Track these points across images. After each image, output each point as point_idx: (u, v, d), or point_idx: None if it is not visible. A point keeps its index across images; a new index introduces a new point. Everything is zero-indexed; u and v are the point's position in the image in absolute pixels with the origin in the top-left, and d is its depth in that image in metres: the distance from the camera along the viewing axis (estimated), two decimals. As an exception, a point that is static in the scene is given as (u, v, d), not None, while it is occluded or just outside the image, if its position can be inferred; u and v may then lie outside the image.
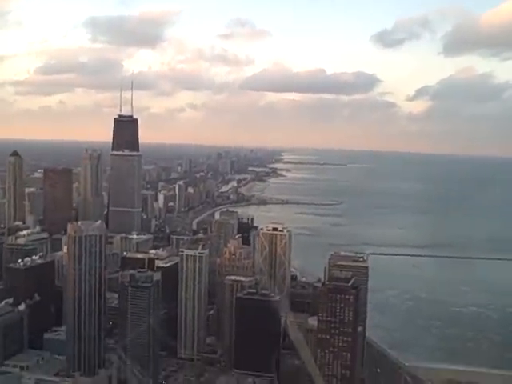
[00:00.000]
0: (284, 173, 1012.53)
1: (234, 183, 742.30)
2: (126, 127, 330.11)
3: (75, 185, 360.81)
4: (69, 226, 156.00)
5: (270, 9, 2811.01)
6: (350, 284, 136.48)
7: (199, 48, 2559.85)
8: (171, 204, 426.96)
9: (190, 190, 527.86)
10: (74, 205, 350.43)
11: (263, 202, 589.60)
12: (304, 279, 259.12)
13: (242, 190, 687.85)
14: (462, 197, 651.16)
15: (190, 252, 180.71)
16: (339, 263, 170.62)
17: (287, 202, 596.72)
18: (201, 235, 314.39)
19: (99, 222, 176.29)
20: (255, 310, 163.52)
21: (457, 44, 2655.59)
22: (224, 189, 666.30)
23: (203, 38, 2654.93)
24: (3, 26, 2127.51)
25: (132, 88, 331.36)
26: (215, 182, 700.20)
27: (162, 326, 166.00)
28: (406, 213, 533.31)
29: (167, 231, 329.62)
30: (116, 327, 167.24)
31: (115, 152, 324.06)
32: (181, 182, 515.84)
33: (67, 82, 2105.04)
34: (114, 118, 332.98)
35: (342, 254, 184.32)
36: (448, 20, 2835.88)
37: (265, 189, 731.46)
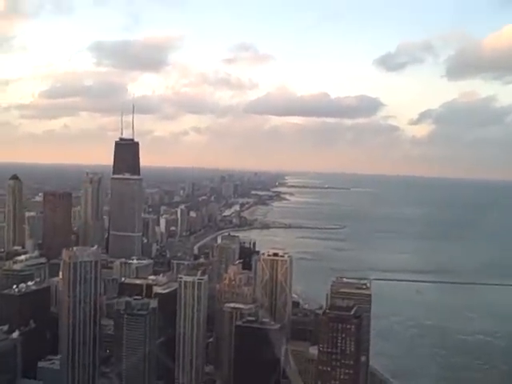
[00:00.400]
0: (287, 196, 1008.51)
1: (237, 207, 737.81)
2: (126, 151, 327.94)
3: (77, 208, 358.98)
4: (64, 251, 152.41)
5: (273, 33, 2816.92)
6: (351, 313, 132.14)
7: (203, 72, 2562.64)
8: (173, 228, 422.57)
9: (193, 213, 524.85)
10: (75, 229, 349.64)
11: (266, 226, 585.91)
12: (306, 306, 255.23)
13: (245, 213, 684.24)
14: (466, 221, 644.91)
15: (189, 278, 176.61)
16: (341, 290, 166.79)
17: (290, 226, 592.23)
18: (202, 260, 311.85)
19: (95, 247, 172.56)
20: (254, 338, 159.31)
21: (459, 68, 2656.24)
22: (227, 212, 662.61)
23: (207, 62, 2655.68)
24: (8, 51, 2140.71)
25: (133, 111, 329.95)
26: (218, 205, 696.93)
27: (160, 354, 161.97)
28: (409, 238, 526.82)
29: (168, 256, 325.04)
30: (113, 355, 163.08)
31: (115, 176, 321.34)
32: (183, 206, 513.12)
33: (72, 106, 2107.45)
34: (115, 142, 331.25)
35: (345, 280, 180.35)
36: (450, 44, 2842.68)
37: (268, 213, 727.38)
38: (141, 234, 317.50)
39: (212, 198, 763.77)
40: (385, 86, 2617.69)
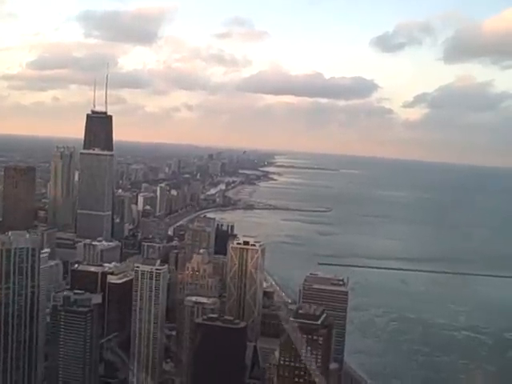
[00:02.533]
0: (275, 176, 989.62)
1: (223, 186, 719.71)
2: (99, 124, 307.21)
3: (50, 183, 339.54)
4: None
5: (269, 9, 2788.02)
6: (319, 322, 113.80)
7: (196, 47, 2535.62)
8: (148, 207, 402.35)
9: (174, 192, 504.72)
10: (46, 206, 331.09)
11: (250, 207, 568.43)
12: (283, 294, 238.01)
13: (230, 193, 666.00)
14: (457, 206, 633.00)
15: (146, 267, 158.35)
16: (315, 286, 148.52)
17: (275, 208, 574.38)
18: (175, 242, 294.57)
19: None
20: (216, 337, 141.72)
21: (457, 51, 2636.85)
22: (212, 191, 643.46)
23: (200, 36, 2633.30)
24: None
25: (106, 84, 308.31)
26: (203, 184, 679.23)
27: (111, 353, 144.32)
28: (398, 222, 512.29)
29: (139, 238, 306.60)
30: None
31: (85, 151, 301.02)
32: (163, 184, 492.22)
33: (61, 78, 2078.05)
34: (87, 114, 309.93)
35: (319, 275, 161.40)
36: (449, 26, 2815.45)
37: (254, 192, 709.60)
38: (110, 212, 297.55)
39: (198, 176, 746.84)
40: (380, 68, 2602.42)
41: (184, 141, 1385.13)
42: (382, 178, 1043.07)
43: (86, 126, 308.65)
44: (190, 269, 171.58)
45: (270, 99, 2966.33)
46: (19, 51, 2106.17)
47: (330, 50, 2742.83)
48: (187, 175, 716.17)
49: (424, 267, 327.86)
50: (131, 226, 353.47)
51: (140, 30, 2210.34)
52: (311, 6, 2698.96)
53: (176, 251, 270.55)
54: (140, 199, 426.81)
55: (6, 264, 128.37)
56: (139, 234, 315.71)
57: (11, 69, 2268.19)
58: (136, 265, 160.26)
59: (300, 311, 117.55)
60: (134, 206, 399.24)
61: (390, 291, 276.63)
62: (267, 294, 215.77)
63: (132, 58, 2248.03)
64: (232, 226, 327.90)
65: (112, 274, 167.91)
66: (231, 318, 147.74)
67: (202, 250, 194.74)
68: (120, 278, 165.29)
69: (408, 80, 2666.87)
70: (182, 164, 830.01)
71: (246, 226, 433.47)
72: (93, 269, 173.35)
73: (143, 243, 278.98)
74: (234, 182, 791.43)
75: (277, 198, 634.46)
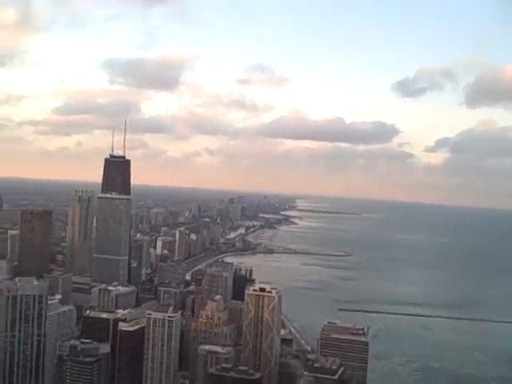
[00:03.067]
0: (296, 220, 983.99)
1: (243, 230, 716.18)
2: (117, 168, 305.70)
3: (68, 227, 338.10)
4: (2, 281, 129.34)
5: (289, 55, 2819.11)
6: (336, 377, 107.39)
7: (217, 93, 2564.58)
8: (165, 252, 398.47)
9: (193, 236, 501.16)
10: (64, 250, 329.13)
11: (270, 251, 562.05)
12: (299, 346, 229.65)
13: (250, 237, 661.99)
14: (478, 251, 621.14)
15: (158, 315, 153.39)
16: (333, 336, 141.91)
17: (295, 252, 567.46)
18: (192, 287, 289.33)
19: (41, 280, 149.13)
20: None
21: (479, 95, 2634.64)
22: (231, 235, 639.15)
23: (221, 82, 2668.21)
24: (20, 66, 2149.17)
25: (125, 129, 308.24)
26: (223, 228, 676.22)
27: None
28: (419, 267, 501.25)
29: (155, 282, 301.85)
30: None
31: (102, 195, 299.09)
32: (182, 228, 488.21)
33: (85, 123, 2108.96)
34: (105, 159, 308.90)
35: (338, 324, 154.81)
36: (471, 71, 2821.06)
37: (274, 237, 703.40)
38: (127, 257, 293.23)
39: (218, 220, 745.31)
40: (402, 112, 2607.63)
41: (205, 185, 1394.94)
42: (401, 222, 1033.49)
43: (104, 170, 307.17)
44: (203, 316, 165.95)
45: (290, 144, 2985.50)
46: (45, 98, 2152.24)
47: (350, 95, 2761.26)
48: (207, 219, 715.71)
49: (444, 313, 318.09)
50: (149, 271, 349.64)
51: (163, 77, 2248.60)
52: (332, 51, 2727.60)
53: (193, 296, 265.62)
54: (159, 243, 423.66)
55: (12, 311, 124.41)
56: (156, 279, 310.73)
57: (36, 115, 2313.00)
58: (148, 312, 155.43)
59: (316, 365, 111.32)
60: (152, 250, 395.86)
61: (412, 338, 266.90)
62: (285, 342, 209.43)
63: (155, 104, 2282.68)
64: (250, 271, 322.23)
65: (124, 320, 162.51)
66: (245, 369, 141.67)
67: (216, 297, 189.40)
68: (132, 326, 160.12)
69: (429, 124, 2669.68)
70: (203, 208, 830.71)
71: (266, 270, 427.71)
72: (105, 315, 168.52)
73: (159, 288, 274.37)
74: (254, 225, 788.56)
75: (297, 242, 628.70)
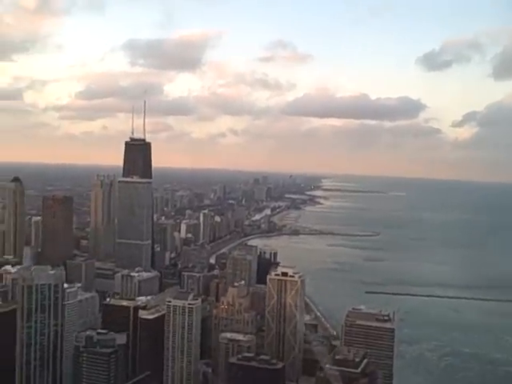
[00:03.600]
0: (322, 200, 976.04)
1: (268, 211, 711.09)
2: (137, 152, 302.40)
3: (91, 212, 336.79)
4: (18, 270, 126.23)
5: (312, 31, 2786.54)
6: (359, 370, 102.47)
7: (240, 72, 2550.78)
8: (189, 235, 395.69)
9: (217, 218, 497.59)
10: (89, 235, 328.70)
11: (295, 233, 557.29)
12: (325, 331, 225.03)
13: (275, 218, 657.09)
14: (509, 229, 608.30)
15: (178, 302, 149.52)
16: (358, 322, 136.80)
17: (321, 233, 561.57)
18: (216, 271, 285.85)
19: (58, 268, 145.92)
20: (252, 378, 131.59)
21: (507, 67, 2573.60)
22: (257, 217, 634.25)
23: (244, 61, 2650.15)
24: (43, 50, 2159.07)
25: (144, 111, 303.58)
26: (248, 209, 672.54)
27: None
28: (449, 246, 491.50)
29: (179, 267, 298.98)
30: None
31: (122, 179, 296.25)
32: (206, 210, 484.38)
33: (108, 107, 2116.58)
34: (125, 142, 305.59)
35: (363, 310, 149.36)
36: (498, 41, 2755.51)
37: (299, 217, 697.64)
38: (150, 241, 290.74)
39: (243, 202, 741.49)
40: (427, 87, 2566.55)
41: (230, 166, 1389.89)
42: (429, 199, 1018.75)
43: (125, 154, 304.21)
44: (225, 303, 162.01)
45: (315, 122, 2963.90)
46: (68, 82, 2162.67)
47: (375, 70, 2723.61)
48: (232, 201, 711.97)
49: (474, 294, 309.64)
50: (173, 255, 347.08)
51: (184, 57, 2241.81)
52: (354, 26, 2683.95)
53: (217, 281, 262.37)
54: (183, 227, 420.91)
55: (28, 301, 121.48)
56: (179, 263, 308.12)
57: (61, 100, 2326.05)
58: (168, 299, 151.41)
59: (338, 357, 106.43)
60: (176, 234, 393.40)
61: (442, 322, 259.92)
62: (310, 327, 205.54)
63: (177, 85, 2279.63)
64: (275, 254, 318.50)
65: (144, 308, 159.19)
66: (268, 358, 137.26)
67: (236, 284, 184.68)
68: (152, 314, 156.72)
69: (456, 98, 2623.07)
70: (228, 189, 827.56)
71: (291, 252, 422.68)
72: (125, 303, 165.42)
73: (183, 273, 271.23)
74: (279, 206, 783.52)
75: (323, 223, 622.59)
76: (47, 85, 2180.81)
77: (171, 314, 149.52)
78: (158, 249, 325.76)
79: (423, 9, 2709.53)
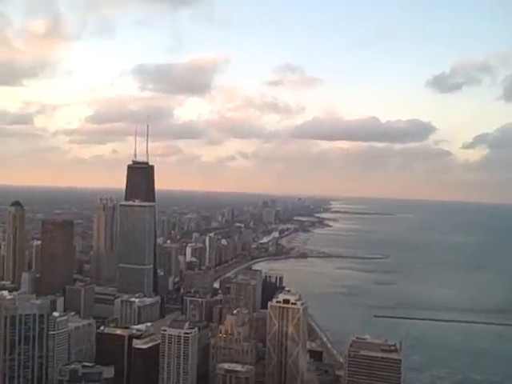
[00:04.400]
0: (331, 223, 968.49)
1: (276, 234, 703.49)
2: (140, 175, 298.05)
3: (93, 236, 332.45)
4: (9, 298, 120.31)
5: (320, 54, 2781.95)
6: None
7: (249, 96, 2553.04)
8: (193, 259, 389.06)
9: (224, 241, 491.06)
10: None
11: (303, 255, 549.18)
12: (331, 357, 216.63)
13: (283, 241, 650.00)
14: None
15: (174, 331, 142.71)
16: (362, 353, 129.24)
17: (329, 256, 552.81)
18: (220, 296, 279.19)
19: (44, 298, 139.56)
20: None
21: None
22: (264, 240, 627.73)
23: (253, 85, 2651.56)
24: (52, 75, 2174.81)
25: (147, 134, 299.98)
26: (256, 232, 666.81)
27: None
28: (459, 269, 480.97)
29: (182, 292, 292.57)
30: None
31: (124, 202, 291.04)
32: (212, 234, 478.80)
33: (118, 131, 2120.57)
34: (128, 165, 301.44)
35: (367, 340, 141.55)
36: (509, 64, 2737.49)
37: (308, 240, 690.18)
38: (151, 266, 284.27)
39: (251, 224, 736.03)
40: (438, 109, 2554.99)
41: (239, 189, 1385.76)
42: (438, 221, 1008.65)
43: (127, 177, 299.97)
44: (222, 331, 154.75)
45: (324, 145, 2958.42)
46: (78, 107, 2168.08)
47: (384, 93, 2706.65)
48: (240, 224, 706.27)
49: (486, 319, 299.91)
50: (177, 279, 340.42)
51: (194, 82, 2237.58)
52: (363, 48, 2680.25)
53: (220, 306, 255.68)
54: (188, 250, 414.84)
55: (11, 332, 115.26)
56: (181, 288, 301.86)
57: (71, 124, 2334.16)
58: (163, 328, 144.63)
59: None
60: (181, 258, 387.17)
61: (453, 347, 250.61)
62: (315, 355, 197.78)
63: (187, 109, 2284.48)
64: (281, 278, 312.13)
65: (138, 337, 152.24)
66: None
67: (235, 311, 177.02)
68: (146, 343, 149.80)
69: (467, 120, 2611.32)
70: (236, 212, 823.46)
71: (298, 276, 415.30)
72: (119, 332, 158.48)
73: (185, 298, 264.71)
74: (288, 229, 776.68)
75: (331, 245, 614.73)
76: (57, 109, 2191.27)
77: (166, 344, 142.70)
78: (162, 273, 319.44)
79: (433, 30, 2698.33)
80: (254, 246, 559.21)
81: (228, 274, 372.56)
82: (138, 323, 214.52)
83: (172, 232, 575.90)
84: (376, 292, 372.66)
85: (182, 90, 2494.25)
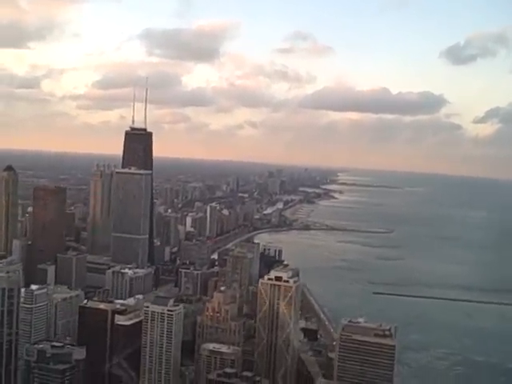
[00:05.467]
0: (336, 195, 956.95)
1: (281, 205, 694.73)
2: (137, 142, 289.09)
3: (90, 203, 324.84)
4: None
5: (333, 22, 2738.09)
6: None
7: (258, 63, 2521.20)
8: (191, 229, 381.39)
9: (226, 212, 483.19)
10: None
11: (306, 228, 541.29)
12: (327, 335, 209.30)
13: (287, 212, 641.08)
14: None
15: (157, 308, 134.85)
16: (355, 338, 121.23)
17: (332, 228, 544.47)
18: (216, 269, 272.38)
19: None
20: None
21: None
22: (268, 210, 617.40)
23: (263, 52, 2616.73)
24: (60, 38, 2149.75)
25: (146, 99, 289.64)
26: (260, 202, 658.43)
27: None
28: (465, 245, 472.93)
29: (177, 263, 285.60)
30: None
31: (120, 170, 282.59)
32: (213, 203, 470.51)
33: (125, 97, 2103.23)
34: (126, 131, 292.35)
35: (361, 324, 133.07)
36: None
37: (312, 212, 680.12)
38: (147, 236, 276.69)
39: (255, 194, 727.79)
40: (450, 81, 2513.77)
41: (247, 158, 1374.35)
42: (448, 196, 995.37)
43: (125, 144, 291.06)
44: (209, 309, 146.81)
45: (334, 115, 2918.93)
46: (85, 71, 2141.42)
47: (396, 63, 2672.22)
48: (245, 194, 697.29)
49: (492, 298, 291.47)
50: (176, 249, 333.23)
51: (202, 48, 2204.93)
52: (377, 17, 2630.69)
53: (215, 279, 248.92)
54: (188, 220, 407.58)
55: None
56: (178, 259, 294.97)
57: (78, 88, 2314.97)
58: (145, 304, 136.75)
59: None
60: (181, 228, 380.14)
61: (454, 327, 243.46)
62: (310, 334, 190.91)
63: (195, 76, 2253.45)
64: (280, 251, 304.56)
65: (122, 312, 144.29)
66: (251, 375, 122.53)
67: (222, 288, 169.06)
68: (129, 319, 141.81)
69: (480, 94, 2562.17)
70: (241, 182, 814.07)
71: (299, 248, 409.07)
72: (102, 306, 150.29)
73: (180, 270, 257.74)
74: (292, 200, 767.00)
75: (335, 218, 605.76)
76: (64, 73, 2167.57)
77: (149, 321, 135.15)
78: (159, 243, 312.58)
79: (448, 1, 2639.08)
80: (256, 216, 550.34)
81: (228, 246, 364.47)
82: (130, 295, 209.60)
83: (175, 201, 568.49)
84: (378, 267, 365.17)
85: (191, 56, 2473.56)
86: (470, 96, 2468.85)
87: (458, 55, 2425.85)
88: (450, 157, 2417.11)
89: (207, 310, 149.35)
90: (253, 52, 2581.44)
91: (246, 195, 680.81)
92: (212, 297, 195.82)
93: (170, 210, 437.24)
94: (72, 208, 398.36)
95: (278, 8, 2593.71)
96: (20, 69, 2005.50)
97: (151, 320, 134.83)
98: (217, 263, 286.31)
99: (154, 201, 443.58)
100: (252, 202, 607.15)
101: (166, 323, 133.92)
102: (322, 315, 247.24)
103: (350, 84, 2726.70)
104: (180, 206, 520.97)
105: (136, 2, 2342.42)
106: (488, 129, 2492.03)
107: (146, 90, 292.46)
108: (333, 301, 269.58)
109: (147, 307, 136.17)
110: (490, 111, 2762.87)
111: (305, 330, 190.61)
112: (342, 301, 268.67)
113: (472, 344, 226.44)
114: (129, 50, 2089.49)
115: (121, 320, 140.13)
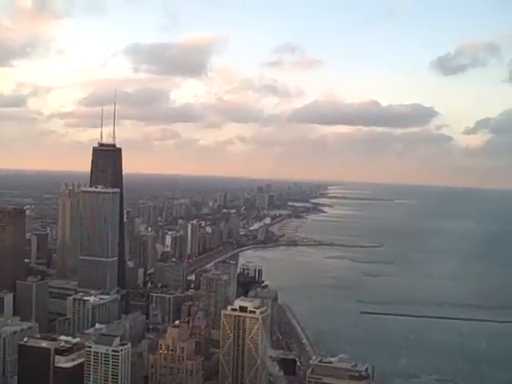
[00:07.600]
0: (326, 208, 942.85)
1: (268, 220, 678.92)
2: (106, 158, 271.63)
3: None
4: None
5: (321, 34, 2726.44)
6: None
7: (247, 78, 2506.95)
8: (167, 249, 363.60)
9: (209, 229, 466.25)
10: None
11: (293, 243, 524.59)
12: (314, 356, 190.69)
13: (274, 228, 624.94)
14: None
15: (100, 348, 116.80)
16: (325, 381, 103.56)
17: (320, 243, 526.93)
18: (191, 292, 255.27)
19: None
20: None
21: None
22: (255, 226, 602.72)
23: (251, 66, 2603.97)
24: (45, 55, 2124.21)
25: (114, 115, 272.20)
26: (247, 218, 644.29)
27: None
28: (458, 259, 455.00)
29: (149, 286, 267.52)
30: None
31: (85, 189, 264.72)
32: (194, 221, 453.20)
33: (113, 114, 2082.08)
34: (93, 148, 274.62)
35: (333, 364, 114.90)
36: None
37: (300, 227, 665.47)
38: (116, 258, 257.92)
39: (243, 210, 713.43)
40: (441, 92, 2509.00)
41: (237, 174, 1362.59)
42: (439, 208, 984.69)
43: (93, 161, 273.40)
44: (163, 347, 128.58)
45: (324, 129, 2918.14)
46: (71, 88, 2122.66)
47: (386, 75, 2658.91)
48: (232, 209, 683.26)
49: (486, 316, 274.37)
50: (152, 270, 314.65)
51: (190, 63, 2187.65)
52: (365, 28, 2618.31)
53: (189, 303, 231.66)
54: (168, 239, 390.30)
55: None
56: (149, 283, 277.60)
57: (65, 107, 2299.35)
58: (87, 344, 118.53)
59: None
60: (159, 247, 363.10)
61: (446, 349, 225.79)
62: (287, 365, 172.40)
63: (184, 92, 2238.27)
64: (260, 271, 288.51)
65: (63, 353, 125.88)
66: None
67: (177, 322, 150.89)
68: (72, 360, 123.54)
69: (470, 104, 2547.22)
70: (230, 197, 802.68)
71: (284, 266, 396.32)
72: (44, 344, 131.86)
73: (151, 294, 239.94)
74: (280, 215, 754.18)
75: (324, 233, 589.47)
76: (51, 91, 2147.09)
77: (92, 362, 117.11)
78: (132, 265, 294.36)
79: (439, 10, 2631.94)
80: (242, 232, 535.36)
81: (208, 265, 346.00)
82: (92, 324, 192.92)
83: (158, 219, 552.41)
84: (367, 284, 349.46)
85: (179, 71, 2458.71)
86: (461, 107, 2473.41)
87: (448, 65, 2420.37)
88: (441, 168, 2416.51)
89: (160, 348, 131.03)
90: (241, 66, 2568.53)
91: (233, 211, 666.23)
92: (187, 322, 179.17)
93: (149, 229, 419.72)
94: (48, 229, 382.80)
95: (266, 21, 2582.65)
96: (5, 87, 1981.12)
97: (94, 361, 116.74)
98: (192, 285, 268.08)
99: (135, 219, 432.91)
100: (236, 218, 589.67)
101: (110, 365, 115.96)
102: (304, 340, 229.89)
103: (340, 97, 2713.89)
104: (162, 224, 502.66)
105: (121, 17, 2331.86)
106: (479, 139, 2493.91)
107: (114, 104, 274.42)
108: (317, 322, 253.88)
109: (89, 347, 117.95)
110: (481, 121, 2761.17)
111: (282, 361, 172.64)
112: (327, 322, 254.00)
113: (466, 368, 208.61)
114: (115, 65, 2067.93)
115: (61, 361, 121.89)
